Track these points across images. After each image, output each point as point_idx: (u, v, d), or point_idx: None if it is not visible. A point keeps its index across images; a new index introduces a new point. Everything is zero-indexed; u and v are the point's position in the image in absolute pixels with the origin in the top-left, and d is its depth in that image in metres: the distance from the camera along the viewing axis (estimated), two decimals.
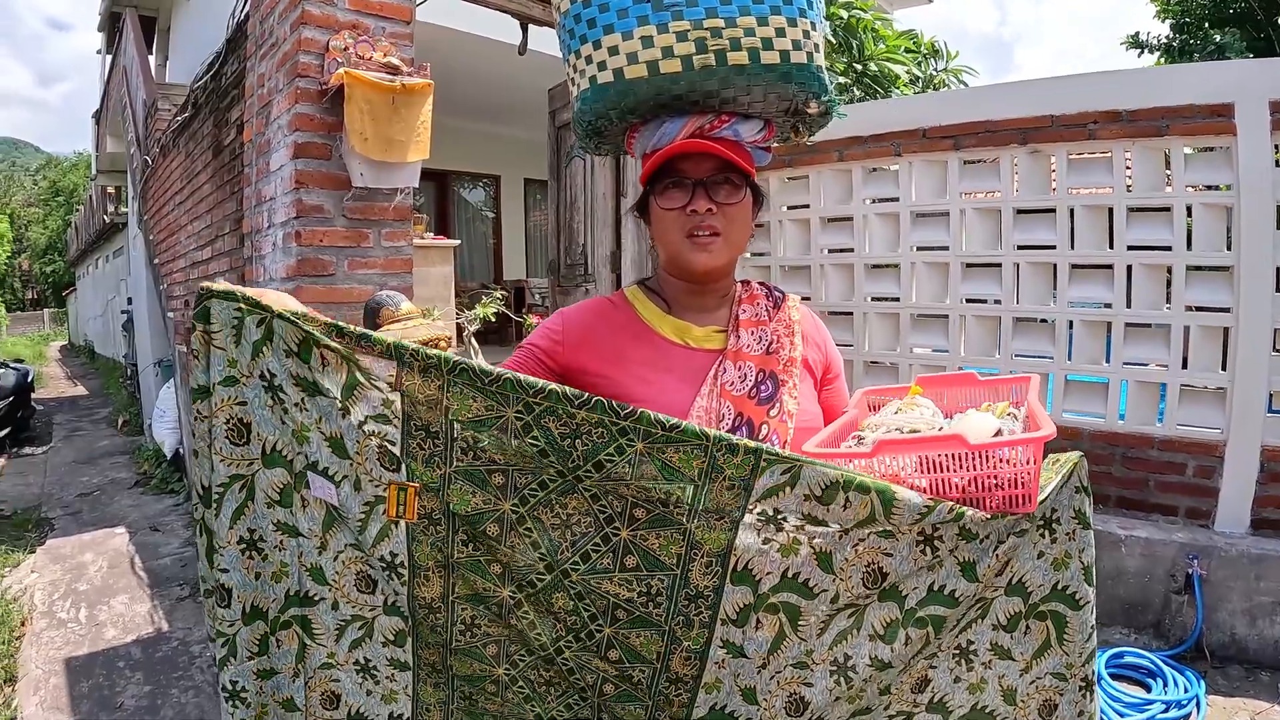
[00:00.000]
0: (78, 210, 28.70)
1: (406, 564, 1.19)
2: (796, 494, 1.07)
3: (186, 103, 5.98)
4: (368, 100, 3.07)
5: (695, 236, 1.32)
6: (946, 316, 4.06)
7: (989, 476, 1.11)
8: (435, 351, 1.12)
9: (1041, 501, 1.13)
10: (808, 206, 4.52)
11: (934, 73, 6.48)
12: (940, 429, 1.21)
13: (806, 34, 1.29)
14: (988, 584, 1.16)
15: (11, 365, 9.48)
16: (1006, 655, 1.21)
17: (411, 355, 1.12)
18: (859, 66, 5.53)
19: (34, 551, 5.30)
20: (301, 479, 1.20)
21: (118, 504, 6.47)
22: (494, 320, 5.18)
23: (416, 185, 3.40)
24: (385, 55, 3.19)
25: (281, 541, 1.24)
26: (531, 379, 1.09)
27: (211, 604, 1.24)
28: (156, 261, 7.84)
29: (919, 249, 4.13)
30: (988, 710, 1.22)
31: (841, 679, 1.12)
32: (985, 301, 4.00)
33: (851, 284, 4.37)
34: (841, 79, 5.51)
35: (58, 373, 19.57)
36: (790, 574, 1.09)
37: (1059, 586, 1.20)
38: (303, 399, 1.16)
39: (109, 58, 12.30)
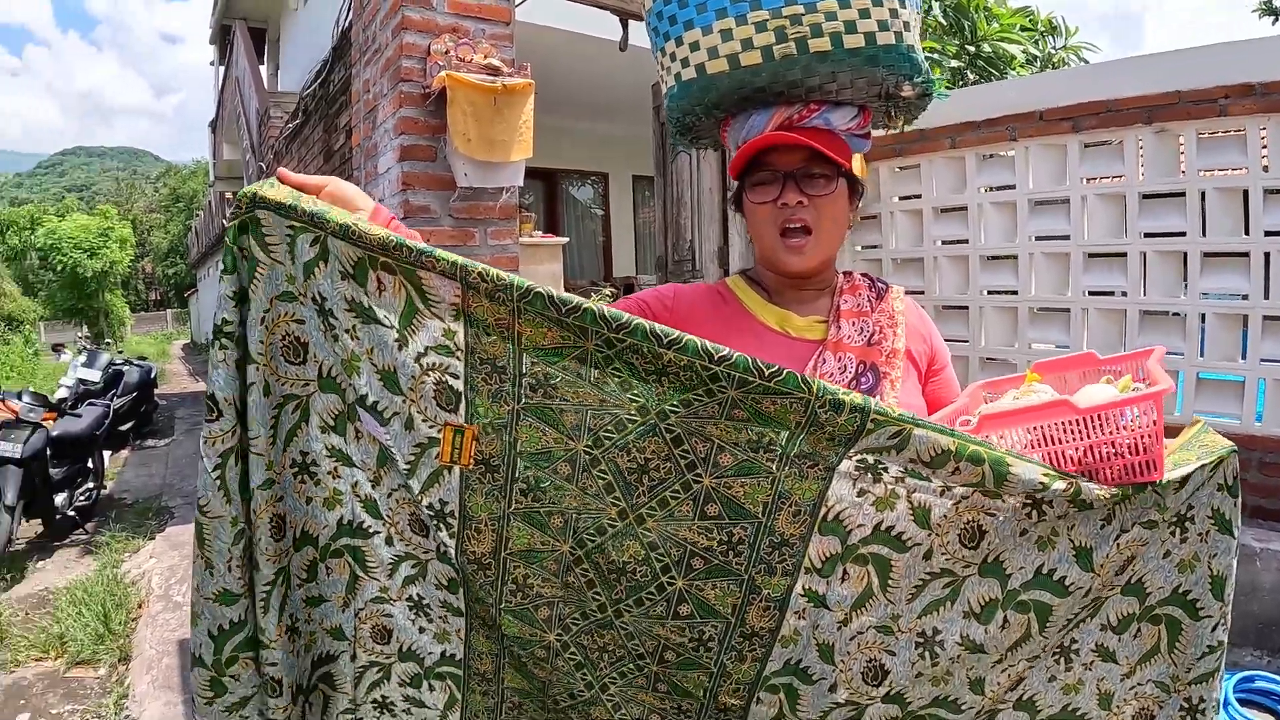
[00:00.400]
0: (197, 215, 30.58)
1: (457, 514, 1.13)
2: (904, 457, 1.01)
3: (297, 110, 6.32)
4: (470, 102, 3.19)
5: (788, 234, 1.33)
6: (1068, 310, 3.92)
7: (1106, 443, 1.04)
8: (506, 274, 1.04)
9: (1176, 484, 1.04)
10: (919, 196, 4.44)
11: (1052, 51, 6.27)
12: None
13: (894, 13, 1.26)
14: (1106, 581, 1.07)
15: (135, 362, 10.08)
16: (1110, 658, 1.13)
17: (479, 276, 1.03)
18: (971, 48, 5.40)
19: (153, 538, 5.70)
20: (354, 411, 1.14)
21: None
22: None
23: (520, 184, 3.52)
24: (486, 57, 3.31)
25: (335, 469, 1.18)
26: (615, 311, 1.02)
27: (244, 549, 1.15)
28: None
29: (1037, 238, 3.99)
30: (1079, 713, 1.14)
31: (927, 653, 1.06)
32: (1110, 294, 3.83)
33: (966, 276, 4.27)
34: (954, 62, 5.40)
35: (180, 369, 20.83)
36: (883, 527, 1.03)
37: (1179, 590, 1.11)
38: (354, 325, 1.09)
39: (221, 69, 13.04)
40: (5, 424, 5.62)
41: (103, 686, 3.70)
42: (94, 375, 7.77)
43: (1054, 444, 1.05)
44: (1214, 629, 1.12)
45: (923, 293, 4.40)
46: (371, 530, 1.19)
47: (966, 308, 4.27)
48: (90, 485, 6.46)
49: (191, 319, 35.96)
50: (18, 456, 5.33)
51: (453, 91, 3.19)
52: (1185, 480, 1.04)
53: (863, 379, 1.33)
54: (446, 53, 3.31)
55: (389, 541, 1.19)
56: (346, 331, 1.09)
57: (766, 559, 1.05)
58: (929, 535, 1.03)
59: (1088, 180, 3.82)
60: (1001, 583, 1.05)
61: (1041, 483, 0.99)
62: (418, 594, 1.21)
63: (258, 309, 1.10)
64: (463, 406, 1.08)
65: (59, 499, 5.90)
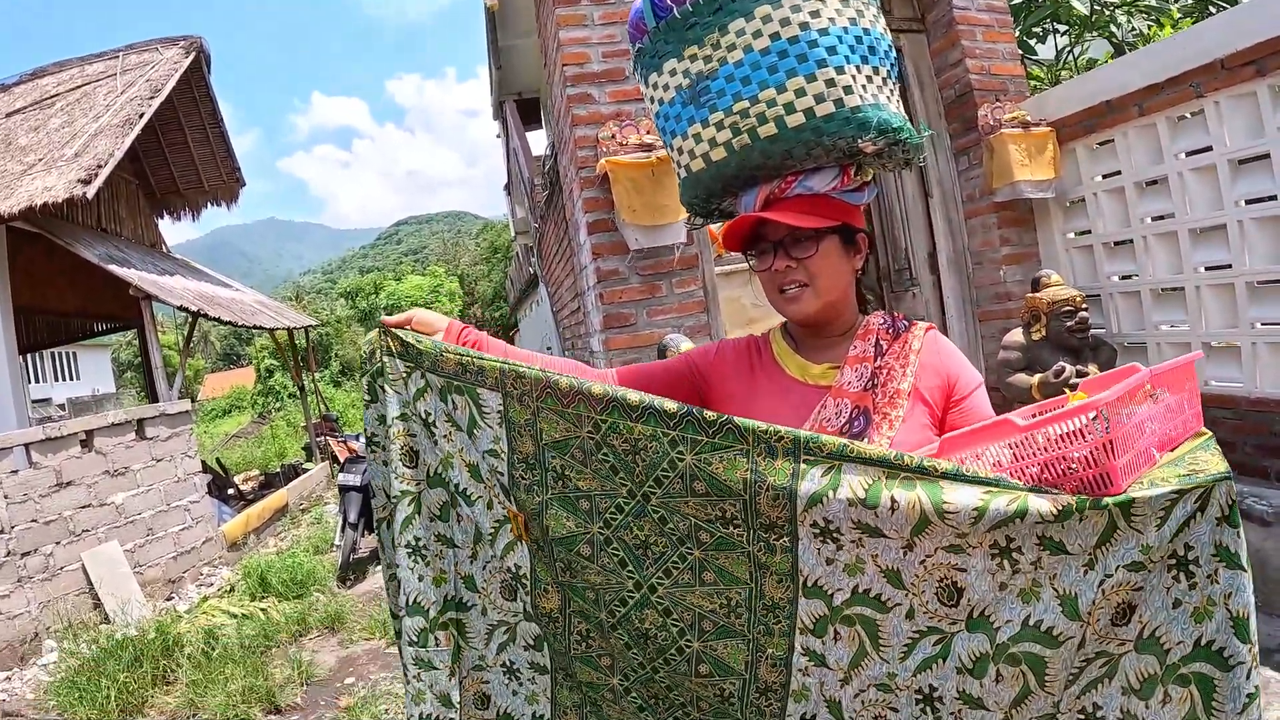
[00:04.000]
0: (510, 264, 34.27)
1: (529, 576, 1.35)
2: (840, 499, 1.07)
3: (545, 182, 7.29)
4: (630, 179, 3.77)
5: (784, 291, 1.47)
6: None
7: (1059, 459, 1.03)
8: (530, 374, 1.25)
9: (1156, 520, 0.99)
10: (1119, 173, 4.24)
11: None
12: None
13: (830, 83, 1.36)
14: (1103, 634, 1.05)
15: None
16: None
17: (512, 384, 1.27)
18: None
19: None
20: (455, 498, 1.40)
21: None
22: None
23: (683, 240, 4.02)
24: (642, 136, 3.86)
25: (441, 551, 1.44)
26: (601, 388, 1.21)
27: (392, 586, 1.47)
28: (554, 309, 9.48)
29: (1247, 202, 3.65)
30: None
31: (928, 708, 1.11)
32: None
33: (1178, 254, 3.99)
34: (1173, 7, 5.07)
35: None
36: (860, 589, 1.11)
37: (1202, 642, 1.04)
38: (449, 432, 1.38)
39: (504, 140, 14.81)
40: (349, 460, 7.46)
41: None
42: None
43: (1020, 461, 1.07)
44: (1249, 675, 1.04)
45: (1137, 276, 4.23)
46: (470, 604, 1.45)
47: (1183, 289, 4.01)
48: None
49: None
50: (357, 484, 6.96)
51: (613, 173, 3.78)
52: (1166, 516, 1.00)
53: (855, 422, 1.41)
54: (612, 137, 3.90)
55: (484, 612, 1.44)
56: (444, 437, 1.39)
57: (764, 620, 1.17)
58: (906, 595, 1.09)
59: None
60: (990, 637, 1.07)
61: (978, 506, 1.02)
62: (509, 659, 1.45)
63: (387, 426, 1.43)
64: (513, 497, 1.32)
65: None
